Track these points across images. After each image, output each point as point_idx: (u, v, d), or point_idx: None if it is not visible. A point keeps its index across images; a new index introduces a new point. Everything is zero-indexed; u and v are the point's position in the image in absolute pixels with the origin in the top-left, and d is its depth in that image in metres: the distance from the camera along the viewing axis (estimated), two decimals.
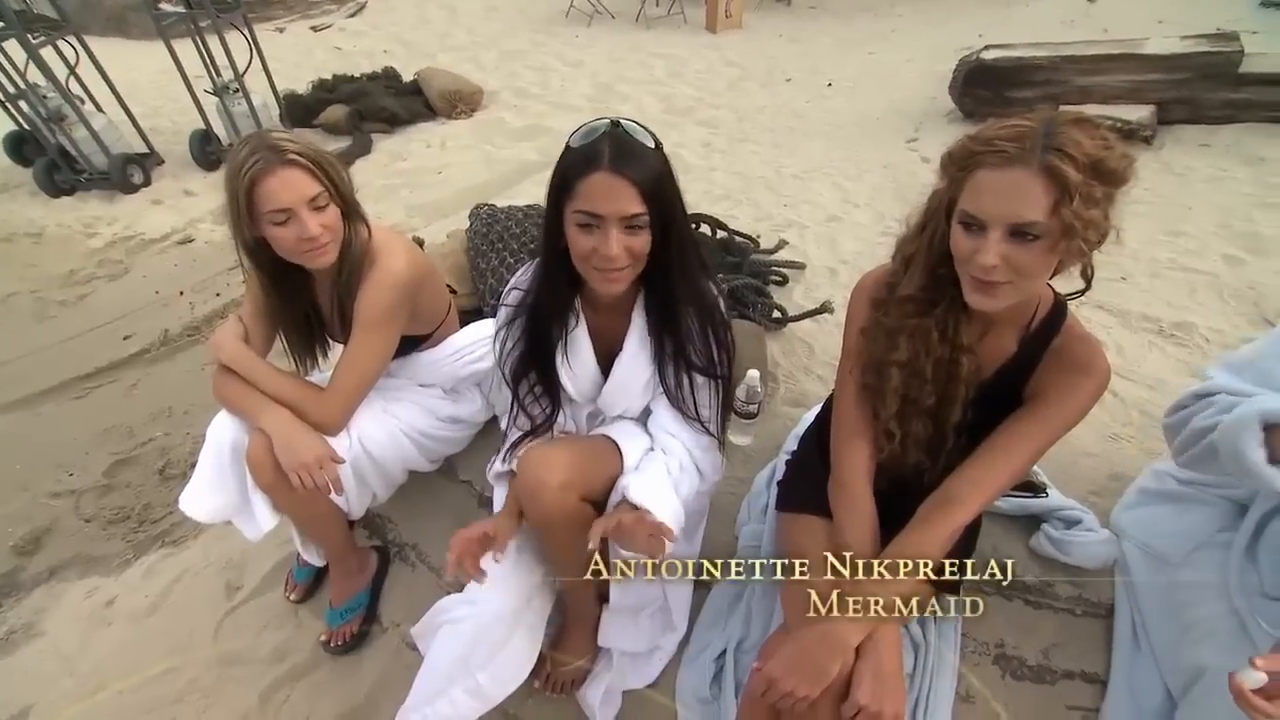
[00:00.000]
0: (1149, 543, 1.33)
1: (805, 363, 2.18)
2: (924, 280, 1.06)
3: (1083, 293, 1.06)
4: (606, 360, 1.32)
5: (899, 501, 1.18)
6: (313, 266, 1.42)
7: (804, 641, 1.07)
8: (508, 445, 1.37)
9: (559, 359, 1.30)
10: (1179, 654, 1.18)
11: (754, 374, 1.70)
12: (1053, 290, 1.10)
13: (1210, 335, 2.12)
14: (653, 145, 1.08)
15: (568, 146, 1.08)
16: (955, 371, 1.09)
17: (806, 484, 1.37)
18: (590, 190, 1.04)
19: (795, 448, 1.55)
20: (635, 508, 1.20)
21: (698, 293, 1.22)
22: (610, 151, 1.03)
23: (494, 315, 2.02)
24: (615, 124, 1.06)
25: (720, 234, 2.64)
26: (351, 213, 1.44)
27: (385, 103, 5.39)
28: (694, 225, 2.59)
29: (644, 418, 1.42)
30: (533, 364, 1.30)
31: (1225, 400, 1.07)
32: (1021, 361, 1.10)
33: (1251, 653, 1.05)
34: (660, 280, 1.18)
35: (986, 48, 3.96)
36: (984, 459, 1.10)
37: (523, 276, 1.31)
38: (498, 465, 1.41)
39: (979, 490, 1.09)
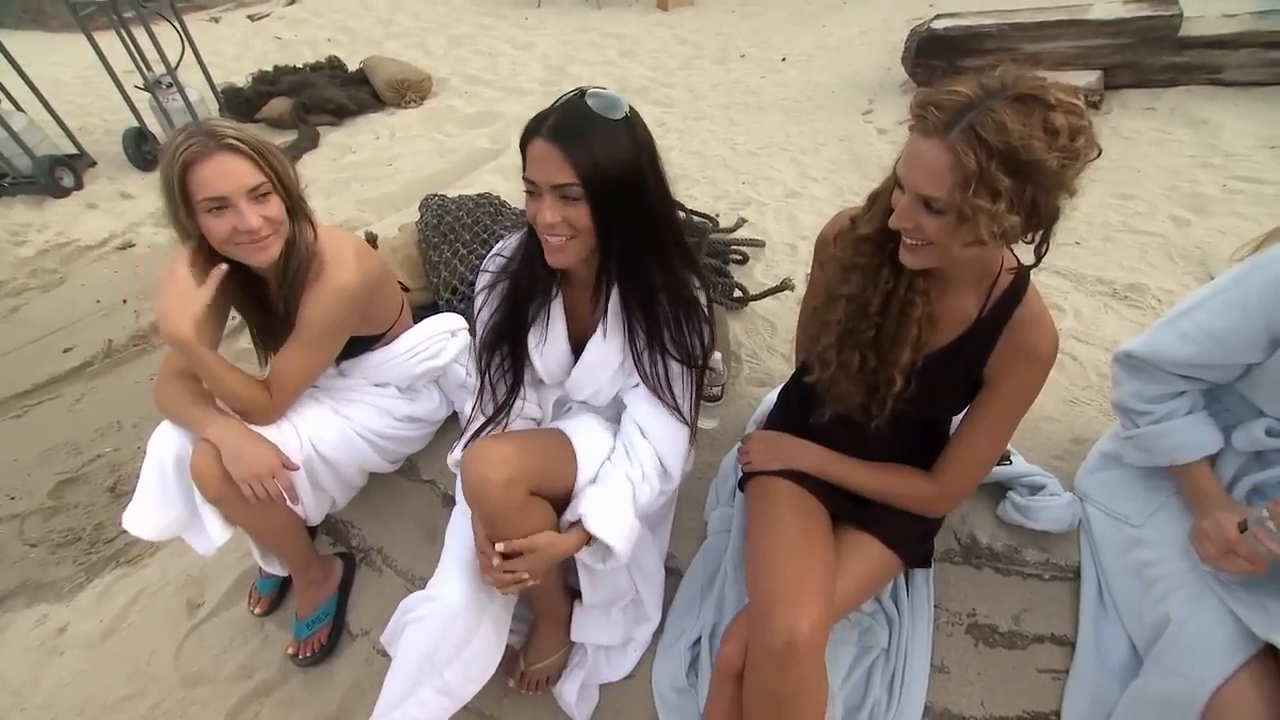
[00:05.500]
0: (1112, 506, 1.35)
1: (768, 341, 2.17)
2: (881, 222, 1.05)
3: (1030, 268, 1.05)
4: (579, 344, 1.30)
5: (845, 446, 1.29)
6: (251, 262, 1.33)
7: (779, 436, 1.37)
8: (470, 433, 1.33)
9: (532, 334, 1.28)
10: (1144, 610, 1.21)
11: (715, 356, 1.68)
12: (1016, 259, 1.10)
13: (1162, 296, 2.16)
14: (619, 118, 1.05)
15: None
16: (909, 312, 1.09)
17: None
18: (530, 156, 1.06)
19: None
20: (587, 532, 1.19)
21: (675, 284, 1.20)
22: (553, 120, 1.04)
23: (449, 310, 1.99)
24: (581, 94, 1.06)
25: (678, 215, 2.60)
26: (297, 210, 1.37)
27: (331, 94, 5.21)
28: None
29: (611, 412, 1.39)
30: (506, 334, 1.28)
31: (1146, 435, 1.25)
32: (980, 334, 1.10)
33: (1215, 605, 1.09)
34: (629, 263, 1.16)
35: (937, 17, 3.97)
36: (964, 441, 1.18)
37: (508, 244, 1.30)
38: (457, 453, 1.36)
39: (967, 467, 1.20)
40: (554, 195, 1.05)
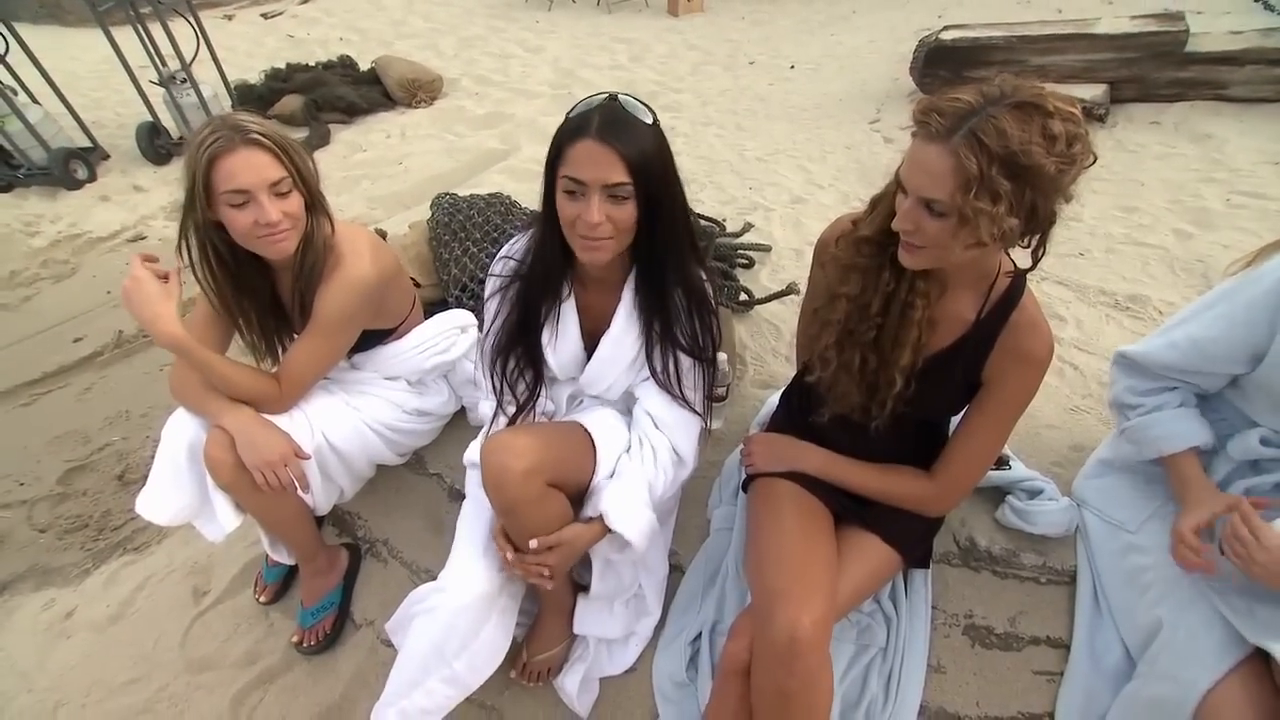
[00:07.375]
0: (1108, 512, 1.38)
1: (773, 344, 2.19)
2: (883, 224, 1.08)
3: (1026, 271, 1.07)
4: (592, 339, 1.33)
5: (845, 446, 1.31)
6: (269, 255, 1.36)
7: (781, 439, 1.39)
8: (495, 432, 1.33)
9: (546, 332, 1.30)
10: (1137, 614, 1.23)
11: (721, 357, 1.70)
12: (1013, 263, 1.12)
13: (1163, 308, 2.18)
14: (649, 121, 1.10)
15: (566, 117, 1.10)
16: (909, 314, 1.11)
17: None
18: (577, 157, 1.06)
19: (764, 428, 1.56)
20: (607, 526, 1.22)
21: (687, 276, 1.24)
22: (599, 121, 1.05)
23: (458, 306, 2.02)
24: (612, 98, 1.09)
25: None
26: (315, 204, 1.40)
27: (342, 92, 5.26)
28: None
29: (622, 405, 1.42)
30: (520, 336, 1.30)
31: (1136, 426, 1.27)
32: (978, 338, 1.12)
33: (1206, 609, 1.11)
34: (651, 259, 1.20)
35: (945, 28, 4.00)
36: (962, 442, 1.20)
37: (515, 246, 1.32)
38: (473, 452, 1.39)
39: (965, 467, 1.22)
40: (603, 195, 1.07)
